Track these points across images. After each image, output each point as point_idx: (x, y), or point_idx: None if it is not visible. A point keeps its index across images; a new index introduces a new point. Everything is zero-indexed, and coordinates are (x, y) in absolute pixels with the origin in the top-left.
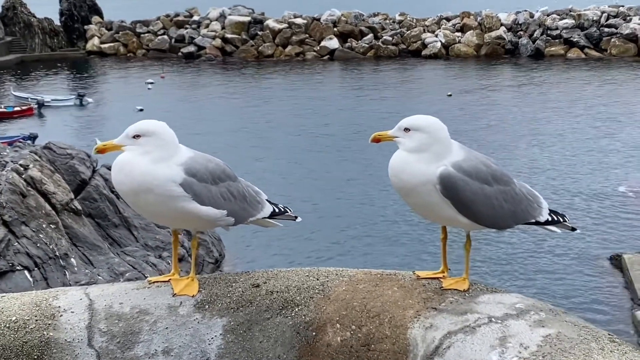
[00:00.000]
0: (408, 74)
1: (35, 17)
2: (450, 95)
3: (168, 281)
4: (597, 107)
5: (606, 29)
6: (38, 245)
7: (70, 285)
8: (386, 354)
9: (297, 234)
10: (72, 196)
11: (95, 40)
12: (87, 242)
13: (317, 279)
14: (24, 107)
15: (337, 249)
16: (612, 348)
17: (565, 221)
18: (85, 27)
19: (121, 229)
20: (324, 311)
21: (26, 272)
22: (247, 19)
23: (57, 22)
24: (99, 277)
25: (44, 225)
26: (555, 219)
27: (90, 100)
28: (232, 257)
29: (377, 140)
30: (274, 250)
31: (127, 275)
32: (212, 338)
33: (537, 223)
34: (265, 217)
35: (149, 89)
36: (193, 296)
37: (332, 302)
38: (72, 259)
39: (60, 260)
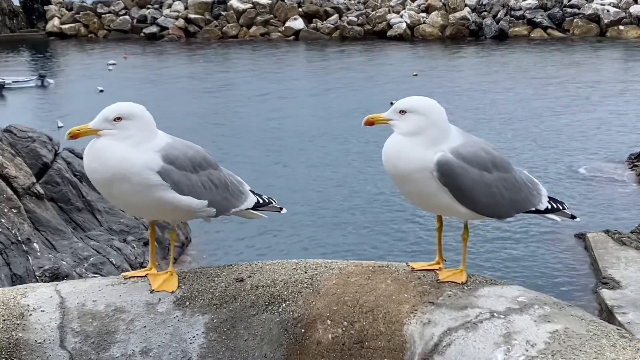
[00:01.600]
0: (374, 54)
1: None
2: (415, 75)
3: (145, 276)
4: (560, 88)
5: (569, 10)
6: (0, 230)
7: (34, 270)
8: (381, 352)
9: (282, 224)
10: (34, 180)
11: (56, 21)
12: (50, 227)
13: (306, 272)
14: None
15: (324, 240)
16: (624, 344)
17: (565, 209)
18: (45, 7)
19: (85, 213)
20: (314, 307)
21: None
22: None
23: (16, 3)
24: (63, 262)
25: (5, 210)
26: (555, 206)
27: (51, 81)
28: (213, 249)
29: (370, 123)
30: (258, 242)
31: (91, 260)
32: (194, 337)
33: (537, 211)
34: (248, 208)
35: (109, 70)
36: (172, 292)
37: (322, 297)
38: (35, 244)
39: (23, 245)
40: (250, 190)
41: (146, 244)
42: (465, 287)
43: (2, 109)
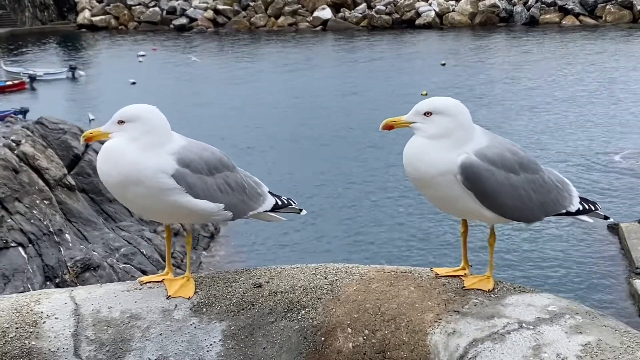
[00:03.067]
0: (402, 44)
1: None
2: (444, 64)
3: (161, 281)
4: (594, 75)
5: None
6: (32, 221)
7: (65, 261)
8: None
9: (301, 228)
10: (66, 171)
11: (86, 13)
12: (81, 218)
13: (325, 278)
14: (15, 82)
15: (345, 244)
16: None
17: (597, 209)
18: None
19: (115, 203)
20: (334, 314)
21: (20, 248)
22: None
23: None
24: (94, 253)
25: (37, 202)
26: (587, 207)
27: (82, 73)
28: (231, 253)
29: (389, 127)
30: (277, 246)
31: (122, 250)
32: (211, 344)
33: (568, 213)
34: (266, 211)
35: (140, 61)
36: (189, 298)
37: (343, 304)
38: (67, 235)
39: (55, 237)
40: (268, 192)
41: (177, 234)
42: (492, 295)
43: (34, 101)
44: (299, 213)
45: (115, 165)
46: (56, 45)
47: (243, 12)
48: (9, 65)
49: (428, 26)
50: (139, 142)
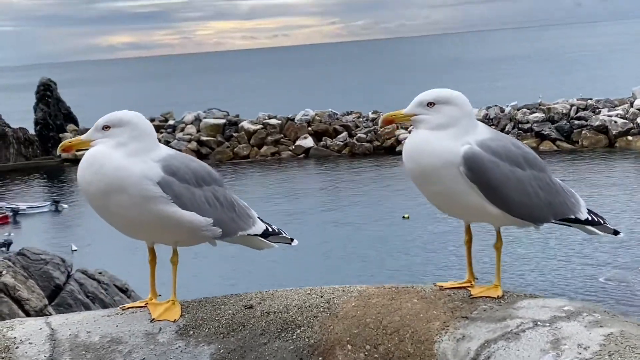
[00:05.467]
0: (383, 170)
1: (9, 127)
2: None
3: (144, 306)
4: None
5: (576, 122)
6: None
7: None
8: None
9: (291, 257)
10: (47, 302)
11: None
12: None
13: (322, 297)
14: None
15: (339, 270)
16: None
17: (606, 223)
18: (61, 135)
19: None
20: (332, 331)
21: None
22: (222, 121)
23: (32, 132)
24: None
25: None
26: (596, 220)
27: (65, 206)
28: (218, 281)
29: (389, 121)
30: (265, 275)
31: None
32: None
33: (577, 221)
34: (257, 235)
35: None
36: (174, 321)
37: (341, 321)
38: None
39: None
40: (258, 218)
41: None
42: (502, 301)
43: (17, 234)
44: (290, 243)
45: (98, 170)
46: (40, 180)
47: (226, 143)
48: None
49: None
50: (127, 148)
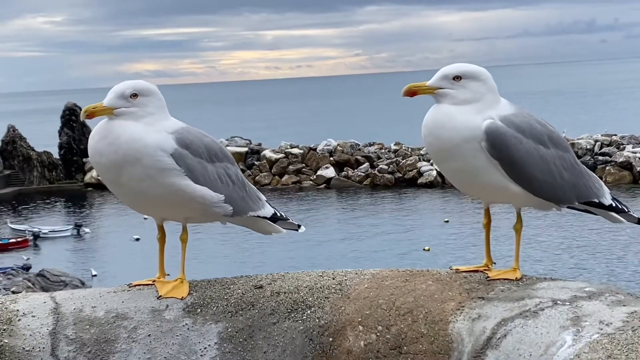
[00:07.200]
0: (404, 202)
1: (34, 150)
2: (447, 221)
3: (152, 283)
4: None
5: (600, 157)
6: None
7: None
8: (423, 356)
9: (301, 244)
10: None
11: (94, 173)
12: None
13: (334, 279)
14: (19, 239)
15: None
16: None
17: (630, 212)
18: (84, 159)
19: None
20: (343, 312)
21: None
22: (245, 149)
23: (56, 156)
24: None
25: None
26: (620, 207)
27: (87, 230)
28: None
29: (412, 92)
30: (274, 261)
31: None
32: (205, 348)
33: (601, 206)
34: (266, 217)
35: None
36: (182, 298)
37: (353, 302)
38: None
39: None
40: (267, 202)
41: None
42: (520, 283)
43: (38, 257)
44: (297, 230)
45: (112, 142)
46: (63, 204)
47: (248, 171)
48: (14, 223)
49: (430, 185)
50: (149, 118)
